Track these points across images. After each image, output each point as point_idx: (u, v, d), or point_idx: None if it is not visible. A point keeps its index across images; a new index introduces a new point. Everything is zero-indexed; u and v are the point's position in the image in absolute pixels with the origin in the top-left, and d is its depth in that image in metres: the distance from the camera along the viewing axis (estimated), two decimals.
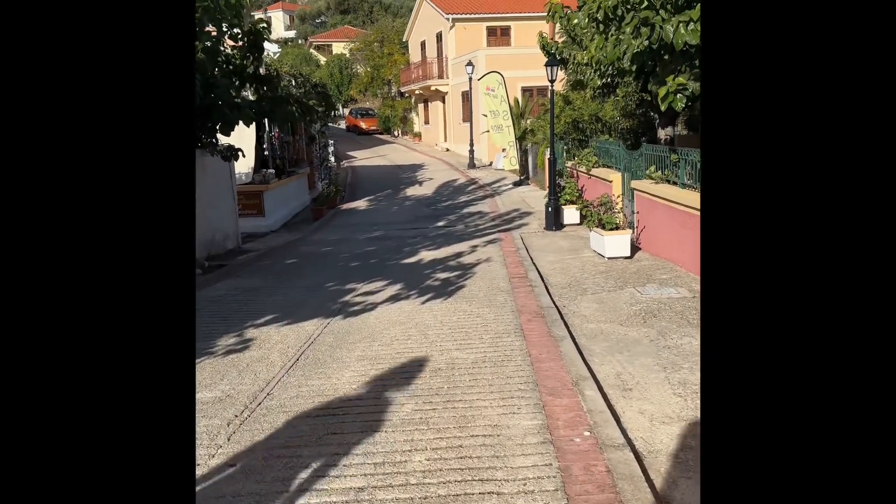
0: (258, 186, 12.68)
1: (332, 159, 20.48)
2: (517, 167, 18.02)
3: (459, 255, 9.32)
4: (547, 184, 16.22)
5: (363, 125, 36.07)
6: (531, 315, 5.87)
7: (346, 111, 38.96)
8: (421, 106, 32.66)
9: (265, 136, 13.43)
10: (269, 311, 6.52)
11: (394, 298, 6.85)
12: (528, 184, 17.82)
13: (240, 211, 12.62)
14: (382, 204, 15.94)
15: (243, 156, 9.91)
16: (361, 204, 16.08)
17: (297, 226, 13.53)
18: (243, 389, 4.42)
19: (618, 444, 3.37)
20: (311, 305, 6.70)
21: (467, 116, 23.53)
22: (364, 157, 27.22)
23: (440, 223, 12.78)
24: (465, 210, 14.36)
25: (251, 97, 9.21)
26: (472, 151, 22.11)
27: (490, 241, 10.31)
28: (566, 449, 3.34)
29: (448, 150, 28.21)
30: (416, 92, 31.02)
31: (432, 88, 28.32)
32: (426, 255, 9.42)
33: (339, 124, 41.49)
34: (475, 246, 9.96)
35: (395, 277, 7.93)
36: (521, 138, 18.63)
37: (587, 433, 3.51)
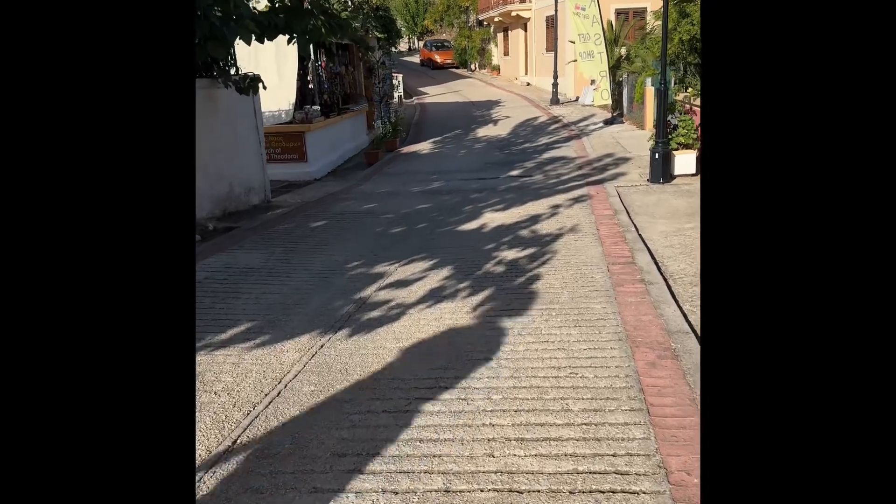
0: (299, 126, 10.48)
1: (398, 95, 17.99)
2: (609, 102, 14.96)
3: (535, 219, 6.82)
4: (650, 122, 13.19)
5: (438, 58, 33.12)
6: (655, 352, 3.38)
7: (421, 44, 36.02)
8: (500, 36, 29.33)
9: (310, 65, 11.12)
10: (249, 313, 4.35)
11: (434, 297, 4.51)
12: (622, 122, 14.79)
13: (277, 155, 10.53)
14: (448, 147, 13.44)
15: (264, 87, 7.66)
16: (425, 146, 13.64)
17: (347, 172, 11.32)
18: None
19: None
20: (312, 305, 4.48)
21: (551, 45, 20.31)
22: (436, 94, 24.54)
23: (514, 172, 10.22)
24: (546, 155, 11.68)
25: (261, 6, 6.84)
26: (555, 85, 19.04)
27: (577, 199, 7.71)
28: None
29: (529, 84, 25.06)
30: (496, 19, 27.70)
31: (513, 14, 25.00)
32: (491, 219, 6.98)
33: (414, 58, 38.69)
34: (557, 206, 7.41)
35: (444, 256, 5.58)
36: (614, 68, 15.46)
37: None
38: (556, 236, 6.03)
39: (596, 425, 2.69)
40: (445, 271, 5.13)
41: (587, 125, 14.83)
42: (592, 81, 18.68)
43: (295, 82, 10.67)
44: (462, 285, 4.74)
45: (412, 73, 32.62)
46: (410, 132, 15.77)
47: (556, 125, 15.38)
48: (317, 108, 11.01)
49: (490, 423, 2.75)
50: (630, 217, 6.67)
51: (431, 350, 3.61)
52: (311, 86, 11.12)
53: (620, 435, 2.61)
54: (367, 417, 2.87)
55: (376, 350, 3.65)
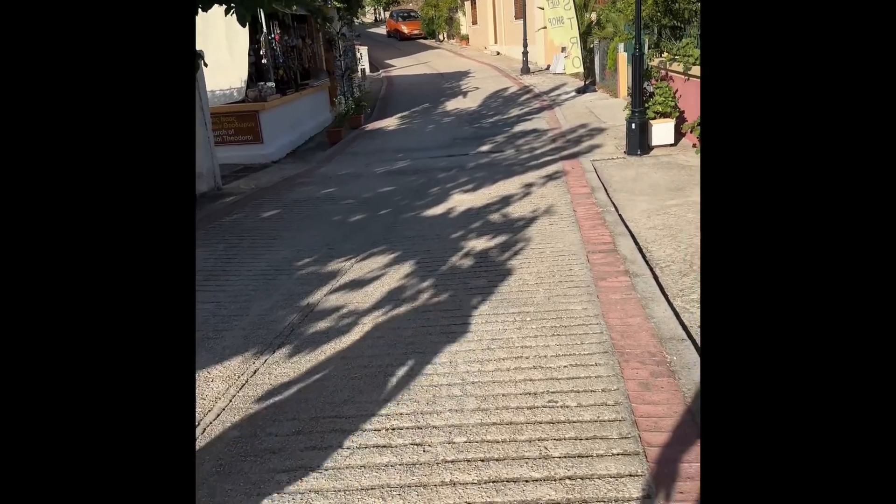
0: (252, 105, 9.69)
1: (361, 68, 17.13)
2: (581, 70, 14.31)
3: (507, 200, 6.23)
4: (624, 90, 12.59)
5: (405, 29, 32.01)
6: (647, 367, 2.83)
7: (387, 14, 34.83)
8: (468, 4, 28.33)
9: (262, 38, 10.28)
10: None
11: (391, 301, 3.92)
12: (595, 90, 14.18)
13: (230, 137, 9.76)
14: (416, 122, 12.72)
15: (204, 64, 6.89)
16: (391, 122, 12.90)
17: (308, 153, 10.58)
18: None
19: None
20: (250, 316, 3.86)
21: (520, 12, 19.52)
22: (403, 66, 23.63)
23: (484, 147, 9.58)
24: (517, 128, 11.04)
25: None
26: (525, 54, 18.30)
27: (551, 176, 7.13)
28: None
29: (499, 53, 24.25)
30: None
31: None
32: (459, 202, 6.37)
33: (381, 29, 37.46)
34: (530, 184, 6.82)
35: (406, 248, 4.98)
36: (585, 34, 14.78)
37: None
38: (530, 220, 5.45)
39: (582, 480, 2.13)
40: (406, 267, 4.53)
41: (559, 95, 14.20)
42: (563, 49, 17.98)
43: (247, 58, 9.85)
44: (424, 285, 4.15)
45: (379, 45, 31.51)
46: (376, 107, 14.98)
47: (528, 95, 14.72)
48: (271, 84, 10.21)
49: (451, 482, 2.19)
50: (608, 195, 6.12)
51: (385, 373, 3.02)
52: (264, 61, 10.29)
53: (613, 493, 2.06)
54: (296, 476, 2.29)
55: (319, 376, 3.06)
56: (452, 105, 14.35)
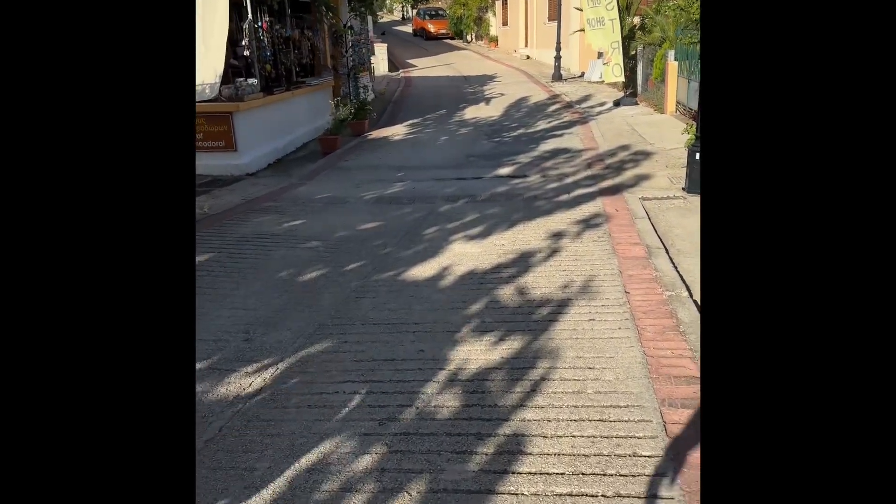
0: (225, 105, 7.89)
1: (372, 67, 15.29)
2: (622, 79, 12.30)
3: (526, 261, 4.33)
4: (671, 104, 10.58)
5: (431, 28, 30.14)
6: None
7: (414, 12, 33.03)
8: (499, 4, 26.38)
9: (246, 26, 8.49)
10: None
11: None
12: (636, 102, 12.19)
13: (198, 142, 7.97)
14: (427, 132, 10.84)
15: None
16: (399, 130, 11.04)
17: (293, 164, 8.75)
18: None
19: None
20: None
21: (555, 14, 17.56)
22: (425, 66, 21.76)
23: (503, 170, 7.67)
24: (545, 145, 9.11)
25: None
26: (558, 59, 16.33)
27: (588, 222, 5.21)
28: None
29: (528, 57, 22.29)
30: None
31: None
32: (459, 257, 4.49)
33: (407, 27, 35.66)
34: (559, 234, 4.91)
35: (361, 349, 3.10)
36: (628, 38, 12.77)
37: None
38: (560, 306, 3.54)
39: None
40: (344, 406, 2.65)
41: (594, 106, 12.22)
42: (600, 54, 15.97)
43: (224, 48, 8.03)
44: (361, 465, 2.27)
45: (403, 43, 29.72)
46: (387, 111, 13.13)
47: (558, 105, 12.76)
48: (253, 81, 8.40)
49: None
50: (673, 262, 4.18)
51: None
52: (246, 52, 8.50)
53: None
54: None
55: None
56: (472, 113, 12.44)
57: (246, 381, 2.87)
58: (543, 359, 2.93)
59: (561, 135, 9.84)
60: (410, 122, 11.84)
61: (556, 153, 8.50)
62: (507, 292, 3.80)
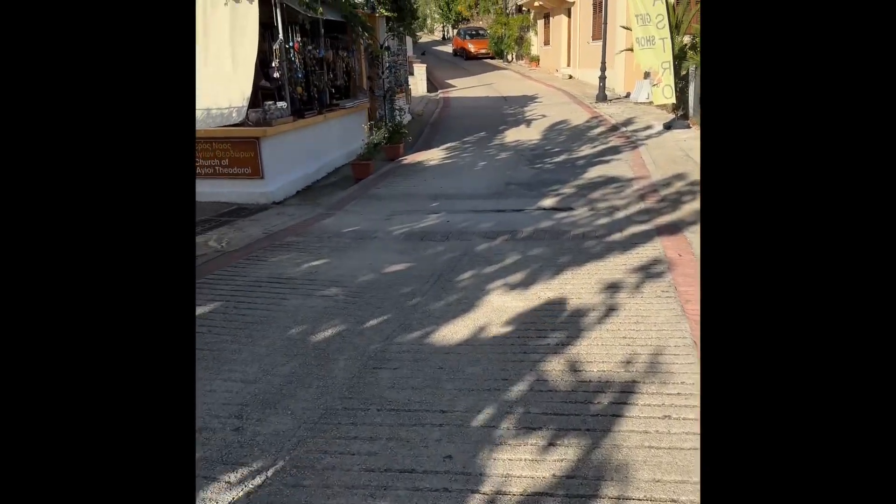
0: (251, 130, 7.43)
1: (409, 89, 14.82)
2: (673, 100, 11.50)
3: (577, 321, 3.62)
4: None
5: (471, 48, 29.70)
6: None
7: (454, 32, 32.72)
8: (541, 23, 25.80)
9: (277, 47, 8.05)
10: None
11: None
12: (688, 125, 11.36)
13: (223, 169, 7.54)
14: (466, 156, 10.23)
15: None
16: (436, 155, 10.45)
17: (323, 191, 8.24)
18: None
19: None
20: None
21: (599, 33, 16.85)
22: (464, 87, 21.25)
23: (546, 201, 6.98)
24: (591, 172, 8.38)
25: None
26: (602, 79, 15.60)
27: (647, 270, 4.48)
28: None
29: (571, 77, 21.58)
30: (536, 4, 24.18)
31: None
32: (497, 312, 3.80)
33: (448, 47, 35.36)
34: (614, 285, 4.19)
35: (373, 450, 2.46)
36: (679, 58, 11.97)
37: None
38: (622, 395, 2.82)
39: None
40: None
41: (642, 129, 11.44)
42: (646, 75, 15.18)
43: (252, 70, 7.60)
44: None
45: (443, 63, 29.37)
46: (423, 134, 12.59)
47: (604, 128, 12.01)
48: (282, 105, 7.93)
49: None
50: None
51: None
52: (276, 74, 8.05)
53: None
54: None
55: None
56: (513, 136, 11.79)
57: (224, 498, 2.24)
58: (609, 480, 2.22)
59: (608, 161, 9.09)
60: (448, 145, 11.25)
61: (603, 182, 7.77)
62: (556, 367, 3.10)
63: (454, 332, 3.62)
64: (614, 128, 11.86)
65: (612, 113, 13.48)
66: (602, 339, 3.39)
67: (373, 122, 9.42)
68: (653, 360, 3.11)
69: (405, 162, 9.95)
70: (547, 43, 25.07)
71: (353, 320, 3.86)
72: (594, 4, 18.74)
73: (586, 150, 10.01)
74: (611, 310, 3.80)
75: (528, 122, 13.28)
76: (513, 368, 3.12)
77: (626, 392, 2.83)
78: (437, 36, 45.45)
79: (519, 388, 2.91)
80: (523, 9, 26.91)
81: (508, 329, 3.61)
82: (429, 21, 45.08)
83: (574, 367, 3.09)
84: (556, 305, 3.92)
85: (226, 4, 7.60)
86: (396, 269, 4.86)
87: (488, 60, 29.28)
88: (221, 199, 7.53)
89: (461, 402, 2.82)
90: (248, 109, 7.57)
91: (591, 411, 2.68)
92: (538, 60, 26.07)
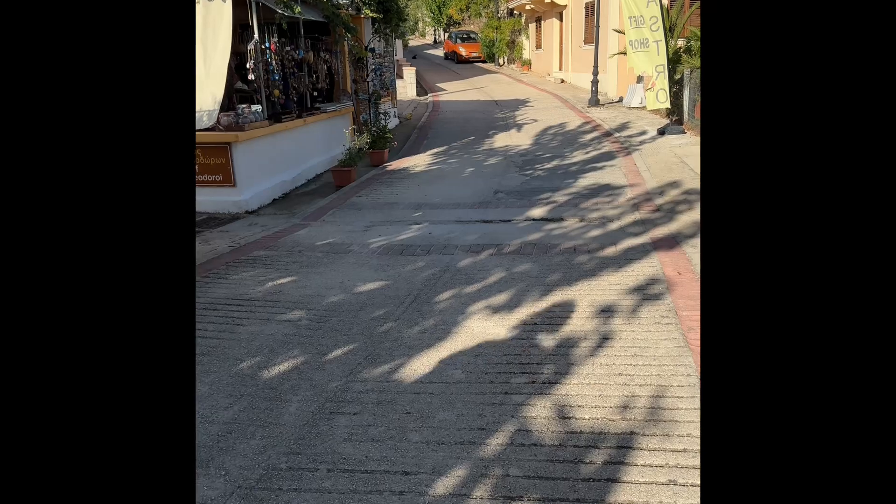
0: (222, 135, 6.96)
1: (408, 91, 14.39)
2: (668, 105, 11.10)
3: (569, 354, 3.17)
4: None
5: (462, 51, 29.29)
6: None
7: (446, 35, 32.33)
8: (532, 26, 25.44)
9: (252, 47, 7.58)
10: None
11: None
12: (683, 131, 10.97)
13: (198, 177, 7.05)
14: (452, 162, 9.78)
15: None
16: (422, 161, 10.00)
17: (301, 199, 7.77)
18: None
19: None
20: None
21: (591, 36, 16.50)
22: (455, 90, 20.84)
23: (535, 210, 6.54)
24: (583, 180, 7.96)
25: None
26: (595, 83, 15.20)
27: (644, 290, 4.04)
28: None
29: (563, 81, 21.21)
30: (527, 7, 23.82)
31: (547, 1, 21.13)
32: (478, 337, 3.34)
33: (439, 51, 34.97)
34: (608, 309, 3.74)
35: None
36: (673, 61, 11.58)
37: None
38: (619, 452, 2.37)
39: None
40: None
41: (636, 134, 11.04)
42: (639, 79, 14.81)
43: (224, 71, 7.14)
44: None
45: (434, 66, 28.95)
46: (411, 138, 12.14)
47: (597, 133, 11.60)
48: (257, 108, 7.46)
49: None
50: None
51: None
52: (251, 77, 7.58)
53: None
54: None
55: None
56: (502, 141, 11.36)
57: None
58: None
59: (601, 167, 8.67)
60: (435, 150, 10.81)
61: (596, 190, 7.34)
62: (541, 413, 2.65)
63: (426, 364, 3.17)
64: (607, 133, 11.45)
65: (604, 118, 13.08)
66: (595, 377, 2.95)
67: (354, 128, 8.95)
68: (653, 405, 2.66)
69: (390, 168, 9.49)
70: (539, 47, 24.71)
71: (315, 350, 3.40)
72: (586, 7, 18.38)
73: (578, 156, 9.58)
74: (605, 339, 3.36)
75: (519, 127, 12.86)
76: (491, 414, 2.66)
77: (623, 447, 2.38)
78: (429, 40, 45.01)
79: (497, 441, 2.46)
80: (515, 12, 26.53)
81: (488, 361, 3.16)
82: (420, 24, 44.67)
83: (562, 413, 2.64)
84: (543, 333, 3.48)
85: (198, 3, 7.14)
86: (370, 287, 4.41)
87: (480, 64, 28.88)
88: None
89: (428, 460, 2.36)
90: (219, 113, 7.10)
91: (581, 474, 2.23)
92: (530, 64, 25.70)
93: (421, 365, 3.17)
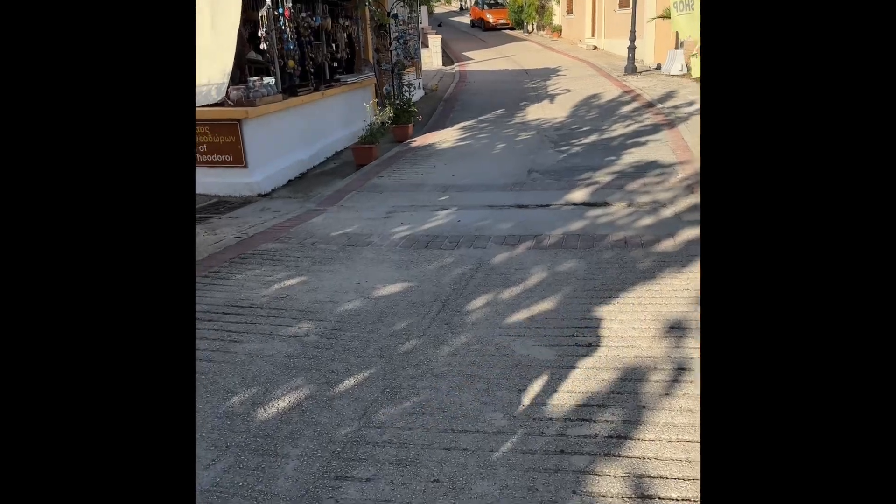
0: (231, 111, 6.31)
1: (433, 60, 13.56)
2: None
3: (637, 393, 2.48)
4: None
5: (490, 18, 28.07)
6: None
7: (472, 2, 31.08)
8: None
9: (265, 13, 6.88)
10: None
11: None
12: None
13: (201, 156, 6.46)
14: (482, 137, 9.01)
15: None
16: (449, 136, 9.25)
17: (318, 180, 7.13)
18: None
19: None
20: None
21: (627, 0, 15.36)
22: (483, 59, 19.85)
23: (575, 193, 5.80)
24: (627, 157, 7.16)
25: None
26: (632, 49, 14.15)
27: None
28: None
29: (596, 48, 20.05)
30: None
31: None
32: (520, 366, 2.70)
33: (465, 18, 33.69)
34: (677, 327, 3.03)
35: None
36: None
37: None
38: None
39: None
40: None
41: (680, 105, 10.10)
42: (679, 44, 13.74)
43: (234, 40, 6.46)
44: None
45: (460, 34, 27.81)
46: (437, 111, 11.37)
47: (637, 104, 10.68)
48: (270, 81, 6.78)
49: None
50: None
51: None
52: (264, 45, 6.89)
53: None
54: None
55: None
56: (535, 113, 10.53)
57: None
58: None
59: (645, 142, 7.84)
60: (463, 124, 10.04)
61: (642, 169, 6.55)
62: (612, 486, 1.99)
63: (457, 402, 2.53)
64: (649, 104, 10.53)
65: (643, 87, 12.10)
66: (675, 429, 2.27)
67: (376, 101, 8.24)
68: None
69: (414, 144, 8.77)
70: (570, 12, 23.43)
71: (322, 379, 2.79)
72: None
73: (619, 130, 8.74)
74: (679, 370, 2.67)
75: (552, 98, 11.97)
76: (545, 486, 2.02)
77: None
78: (455, 6, 43.52)
79: None
80: None
81: (538, 403, 2.50)
82: None
83: (639, 488, 1.98)
84: (601, 358, 2.80)
85: None
86: (390, 291, 3.77)
87: (507, 31, 27.63)
88: (200, 191, 6.48)
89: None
90: (228, 87, 6.45)
91: None
92: (560, 31, 24.45)
93: (451, 403, 2.54)
